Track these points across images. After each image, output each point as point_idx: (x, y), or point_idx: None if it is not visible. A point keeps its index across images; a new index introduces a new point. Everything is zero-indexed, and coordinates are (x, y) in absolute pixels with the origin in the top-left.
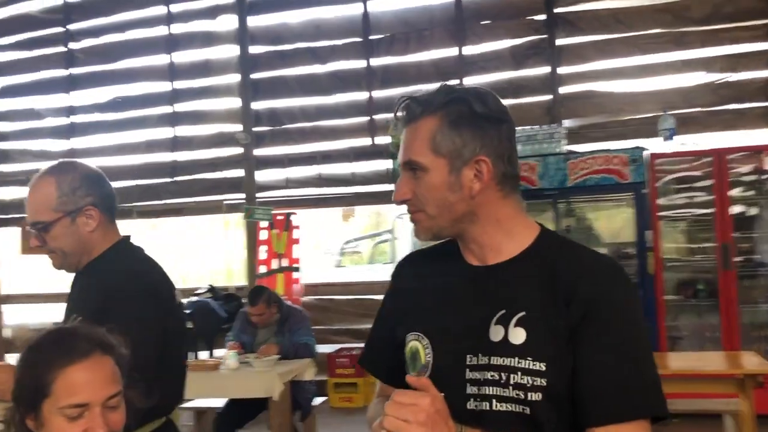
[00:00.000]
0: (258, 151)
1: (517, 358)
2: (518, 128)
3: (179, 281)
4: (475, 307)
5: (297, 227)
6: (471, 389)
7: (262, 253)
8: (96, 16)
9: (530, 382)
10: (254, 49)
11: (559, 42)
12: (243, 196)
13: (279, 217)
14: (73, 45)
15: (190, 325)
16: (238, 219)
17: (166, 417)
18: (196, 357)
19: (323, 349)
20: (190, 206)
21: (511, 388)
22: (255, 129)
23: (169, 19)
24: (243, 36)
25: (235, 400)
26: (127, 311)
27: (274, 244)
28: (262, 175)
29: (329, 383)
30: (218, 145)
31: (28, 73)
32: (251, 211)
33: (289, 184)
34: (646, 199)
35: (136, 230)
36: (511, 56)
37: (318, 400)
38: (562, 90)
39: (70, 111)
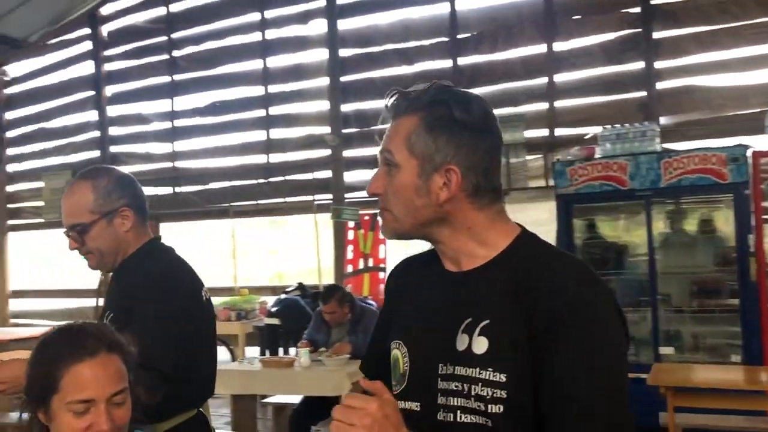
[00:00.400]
0: (346, 153)
1: (478, 369)
2: (607, 126)
3: (275, 279)
4: (447, 315)
5: None
6: (441, 399)
7: (350, 252)
8: (196, 25)
9: (490, 393)
10: (344, 52)
11: (656, 35)
12: (331, 196)
13: (366, 218)
14: (176, 53)
15: (277, 321)
16: (327, 219)
17: (196, 409)
18: (277, 353)
19: None
20: (281, 206)
21: (473, 399)
22: (343, 131)
23: (263, 24)
24: (333, 39)
25: (310, 397)
26: (147, 310)
27: (360, 244)
28: (350, 176)
29: None
30: (309, 147)
31: (135, 80)
32: (339, 212)
33: None
34: (748, 200)
35: (229, 230)
36: (602, 52)
37: None
38: (659, 86)
39: (173, 115)
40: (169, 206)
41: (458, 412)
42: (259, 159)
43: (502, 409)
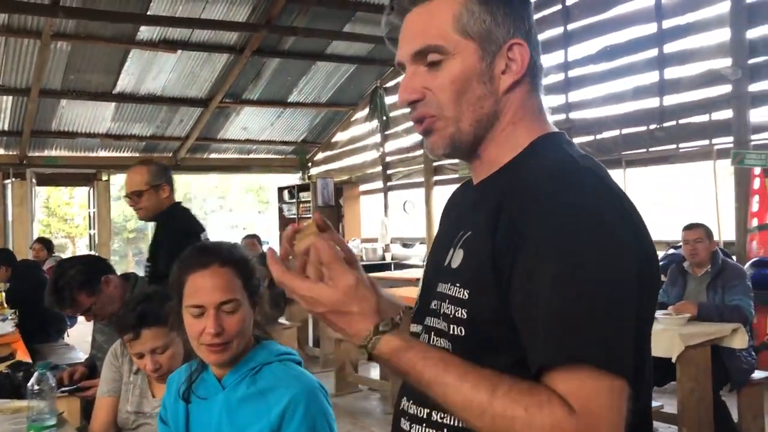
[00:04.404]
0: (752, 87)
1: (449, 284)
2: None
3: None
4: (450, 231)
5: None
6: (427, 320)
7: (755, 204)
8: None
9: (453, 312)
10: None
11: None
12: (732, 139)
13: None
14: (569, 1)
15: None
16: (727, 166)
17: None
18: None
19: None
20: (676, 154)
21: (441, 318)
22: (749, 62)
23: None
24: None
25: (652, 356)
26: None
27: None
28: (756, 114)
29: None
30: (706, 84)
31: None
32: (741, 156)
33: None
34: None
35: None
36: None
37: (760, 375)
38: None
39: (567, 66)
40: None
41: (432, 333)
42: (652, 103)
43: (463, 332)
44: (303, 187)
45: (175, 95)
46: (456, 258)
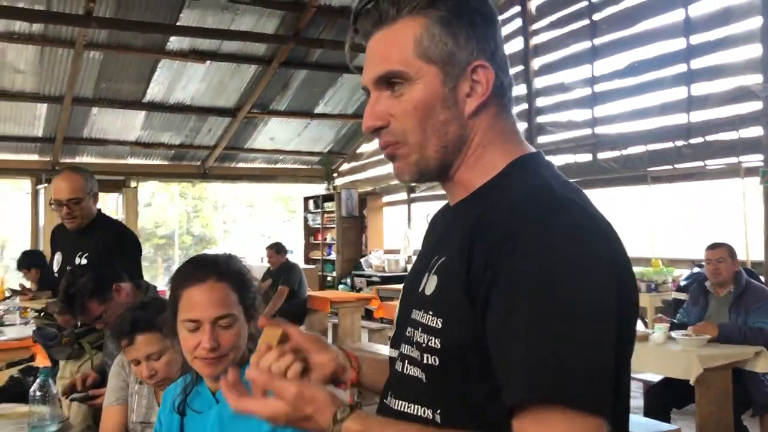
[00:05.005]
0: None
1: (422, 312)
2: None
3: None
4: (425, 256)
5: None
6: (402, 347)
7: None
8: None
9: (426, 341)
10: None
11: None
12: (762, 157)
13: None
14: (596, 16)
15: (684, 296)
16: (756, 184)
17: None
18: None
19: None
20: (703, 171)
21: (414, 346)
22: None
23: None
24: None
25: (671, 378)
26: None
27: None
28: None
29: None
30: (735, 100)
31: (559, 50)
32: None
33: None
34: None
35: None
36: None
37: None
38: None
39: (593, 81)
40: (588, 173)
41: (406, 362)
42: (679, 119)
43: (437, 362)
44: (328, 198)
45: (203, 105)
46: (430, 284)
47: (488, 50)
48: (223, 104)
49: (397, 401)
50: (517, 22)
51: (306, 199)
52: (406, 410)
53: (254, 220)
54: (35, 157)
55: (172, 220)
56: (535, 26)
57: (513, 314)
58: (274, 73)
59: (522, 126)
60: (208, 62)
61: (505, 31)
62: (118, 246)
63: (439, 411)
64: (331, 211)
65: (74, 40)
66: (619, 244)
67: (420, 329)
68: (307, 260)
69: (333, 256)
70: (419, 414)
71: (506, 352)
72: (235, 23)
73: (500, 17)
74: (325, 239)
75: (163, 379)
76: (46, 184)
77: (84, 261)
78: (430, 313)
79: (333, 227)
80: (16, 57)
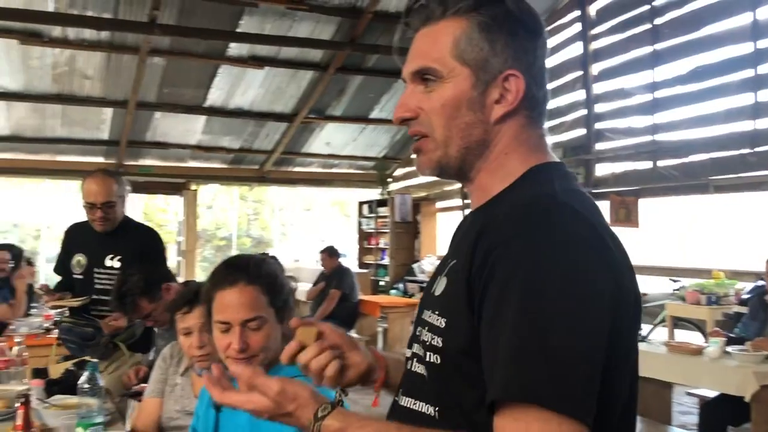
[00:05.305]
0: None
1: (431, 311)
2: None
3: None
4: (443, 260)
5: None
6: (414, 346)
7: None
8: None
9: (430, 339)
10: None
11: None
12: None
13: None
14: (658, 20)
15: (745, 310)
16: None
17: None
18: None
19: None
20: None
21: (421, 344)
22: None
23: None
24: None
25: (727, 394)
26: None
27: None
28: None
29: None
30: None
31: (619, 55)
32: None
33: None
34: None
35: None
36: None
37: None
38: None
39: (654, 87)
40: (648, 181)
41: (414, 360)
42: (745, 126)
43: (438, 360)
44: (381, 203)
45: (262, 110)
46: (439, 285)
47: (525, 61)
48: (281, 109)
49: (405, 398)
50: (577, 27)
51: (360, 204)
52: (411, 407)
53: (311, 224)
54: (101, 159)
55: (232, 222)
56: (595, 31)
57: (499, 316)
58: (330, 79)
59: (579, 132)
60: (267, 68)
61: (565, 35)
62: (159, 247)
63: (437, 408)
64: (385, 216)
65: (138, 47)
66: (618, 252)
67: (427, 328)
68: (361, 264)
69: (386, 260)
70: (422, 411)
71: (493, 350)
72: (293, 30)
73: (559, 21)
74: (378, 244)
75: (209, 354)
76: None
77: (117, 263)
78: (437, 312)
79: (386, 232)
80: (85, 63)
